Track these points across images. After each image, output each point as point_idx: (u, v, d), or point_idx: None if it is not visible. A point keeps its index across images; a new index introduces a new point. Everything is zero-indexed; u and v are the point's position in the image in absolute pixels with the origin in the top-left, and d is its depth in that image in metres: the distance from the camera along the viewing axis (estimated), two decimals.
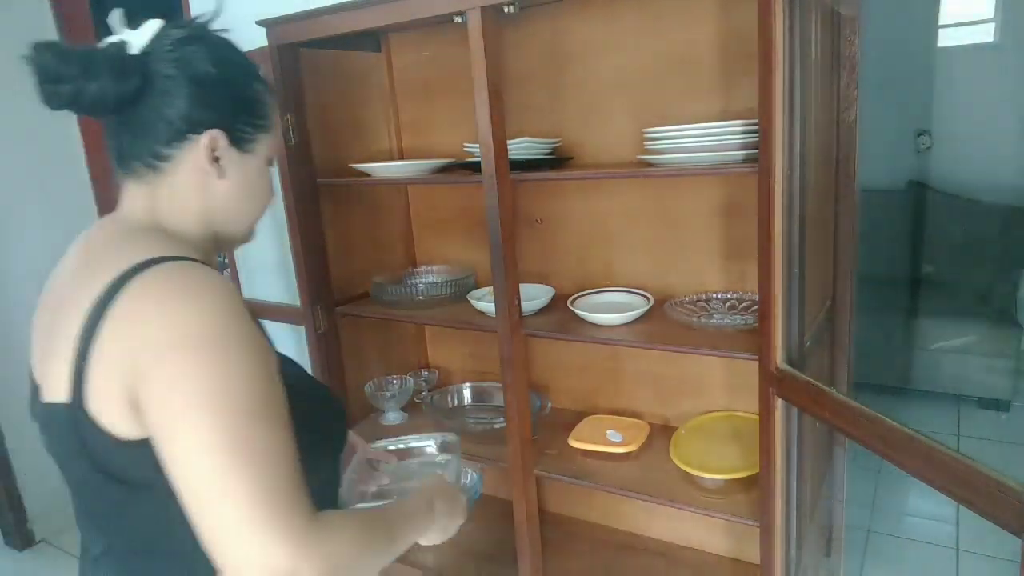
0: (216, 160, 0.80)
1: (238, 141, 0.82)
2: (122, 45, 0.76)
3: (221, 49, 0.81)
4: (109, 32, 0.78)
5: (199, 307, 0.68)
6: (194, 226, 0.82)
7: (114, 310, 0.68)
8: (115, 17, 0.79)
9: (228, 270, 2.54)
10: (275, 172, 1.80)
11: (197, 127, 0.78)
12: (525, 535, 1.70)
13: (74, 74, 0.72)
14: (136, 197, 0.81)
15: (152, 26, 0.78)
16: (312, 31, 1.64)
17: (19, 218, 2.62)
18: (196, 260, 0.75)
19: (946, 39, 3.51)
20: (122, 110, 0.76)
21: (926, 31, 3.53)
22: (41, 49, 0.72)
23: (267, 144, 0.86)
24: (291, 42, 1.68)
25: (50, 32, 2.63)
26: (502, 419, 1.67)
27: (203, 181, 0.81)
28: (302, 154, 1.76)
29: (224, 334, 0.68)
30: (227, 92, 0.81)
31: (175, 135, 0.78)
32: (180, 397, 0.64)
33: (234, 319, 0.69)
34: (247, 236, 0.91)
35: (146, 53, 0.76)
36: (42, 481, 2.69)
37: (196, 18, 0.83)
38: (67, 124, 2.73)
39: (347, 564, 0.67)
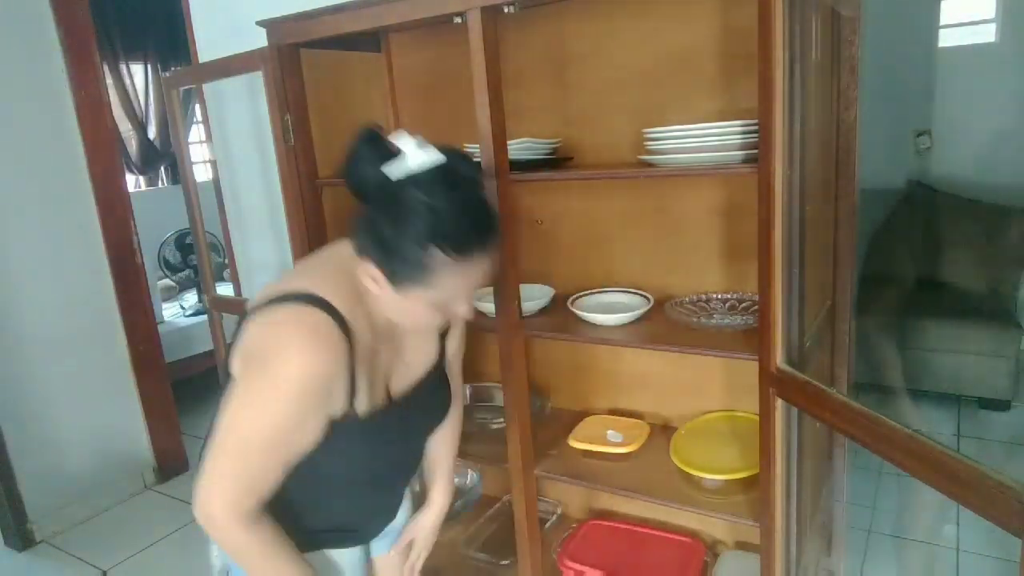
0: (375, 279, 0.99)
1: (392, 280, 0.97)
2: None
3: (428, 220, 0.93)
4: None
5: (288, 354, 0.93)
6: (354, 291, 1.01)
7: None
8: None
9: (228, 270, 2.55)
10: (275, 180, 1.82)
11: (363, 252, 0.99)
12: (525, 535, 1.70)
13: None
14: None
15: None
16: (312, 31, 1.64)
17: (19, 218, 2.61)
18: (330, 306, 0.96)
19: (946, 39, 3.51)
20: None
21: (926, 31, 3.53)
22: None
23: (423, 295, 0.98)
24: (291, 42, 1.68)
25: (51, 35, 2.63)
26: (502, 419, 1.67)
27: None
28: (302, 154, 1.76)
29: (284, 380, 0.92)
30: (396, 247, 0.94)
31: (357, 249, 1.00)
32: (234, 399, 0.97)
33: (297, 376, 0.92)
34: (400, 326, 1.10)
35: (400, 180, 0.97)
36: (42, 481, 2.68)
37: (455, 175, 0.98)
38: (68, 124, 2.73)
39: (230, 549, 0.98)
